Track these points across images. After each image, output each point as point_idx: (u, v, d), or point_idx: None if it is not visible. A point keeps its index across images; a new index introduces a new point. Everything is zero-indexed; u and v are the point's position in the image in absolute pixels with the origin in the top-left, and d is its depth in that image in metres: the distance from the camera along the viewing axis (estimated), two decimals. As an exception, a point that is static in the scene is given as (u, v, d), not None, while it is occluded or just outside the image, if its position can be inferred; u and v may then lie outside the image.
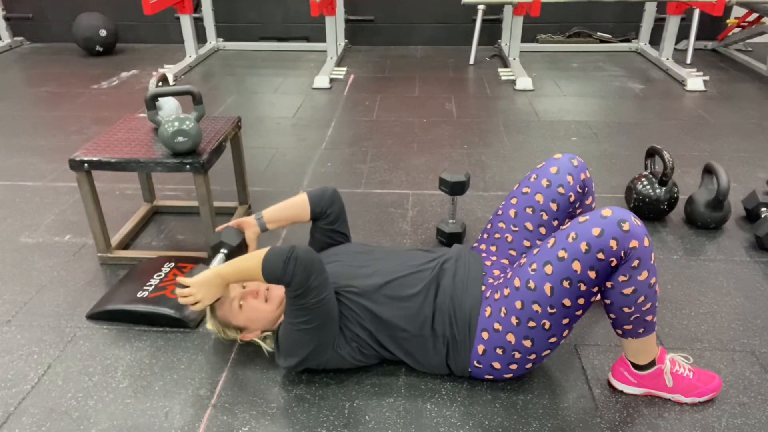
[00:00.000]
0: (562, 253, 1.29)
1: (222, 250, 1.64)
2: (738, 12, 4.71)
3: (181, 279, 1.46)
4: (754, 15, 4.54)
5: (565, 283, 1.29)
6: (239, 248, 1.66)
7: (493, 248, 1.66)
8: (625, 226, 1.26)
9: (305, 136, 3.21)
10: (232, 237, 1.67)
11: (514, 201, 1.64)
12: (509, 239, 1.63)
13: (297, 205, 1.72)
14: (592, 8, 4.89)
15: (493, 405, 1.46)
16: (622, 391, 1.50)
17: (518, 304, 1.35)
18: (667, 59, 4.37)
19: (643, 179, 2.29)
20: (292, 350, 1.45)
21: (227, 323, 1.54)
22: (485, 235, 1.70)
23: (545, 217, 1.59)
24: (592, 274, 1.28)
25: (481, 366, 1.45)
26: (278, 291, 1.55)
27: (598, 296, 1.36)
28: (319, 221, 1.75)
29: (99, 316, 1.78)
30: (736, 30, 4.74)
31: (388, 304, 1.46)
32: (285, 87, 4.09)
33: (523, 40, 4.54)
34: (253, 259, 1.37)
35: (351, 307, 1.47)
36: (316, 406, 1.46)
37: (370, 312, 1.46)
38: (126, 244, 2.17)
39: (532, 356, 1.41)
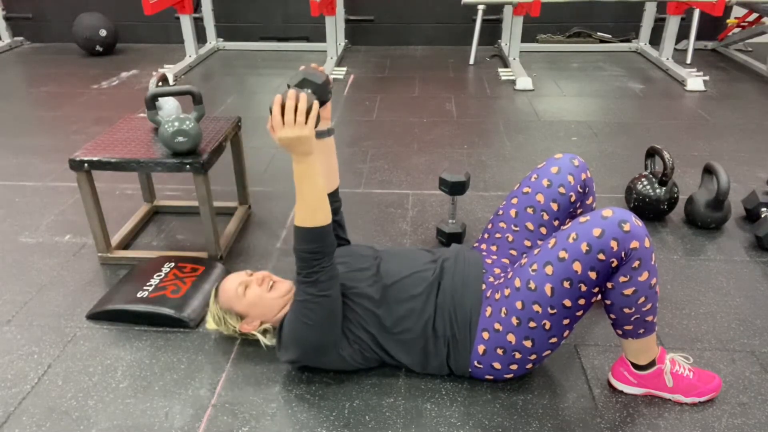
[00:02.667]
0: (562, 254, 1.29)
1: (307, 90, 1.39)
2: (738, 12, 4.70)
3: (298, 94, 1.30)
4: (754, 15, 4.54)
5: (566, 284, 1.29)
6: (324, 89, 1.43)
7: (494, 248, 1.66)
8: (626, 227, 1.26)
9: (305, 136, 3.21)
10: (316, 76, 1.42)
11: (514, 201, 1.64)
12: (510, 239, 1.63)
13: (332, 171, 1.68)
14: (592, 8, 4.89)
15: (493, 405, 1.46)
16: (622, 391, 1.50)
17: (519, 305, 1.35)
18: (667, 59, 4.37)
19: (643, 179, 2.29)
20: (292, 344, 1.45)
21: (229, 308, 1.54)
22: (486, 235, 1.70)
23: (546, 217, 1.59)
24: (592, 275, 1.28)
25: (481, 366, 1.45)
26: (283, 284, 1.56)
27: (599, 297, 1.36)
28: None
29: (99, 316, 1.78)
30: (736, 30, 4.74)
31: (393, 305, 1.46)
32: (285, 87, 4.07)
33: (523, 40, 4.54)
34: (310, 210, 1.35)
35: (355, 310, 1.47)
36: (316, 406, 1.46)
37: (374, 314, 1.46)
38: (126, 244, 2.17)
39: (533, 356, 1.41)
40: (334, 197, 1.68)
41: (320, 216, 1.36)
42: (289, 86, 1.40)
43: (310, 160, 1.36)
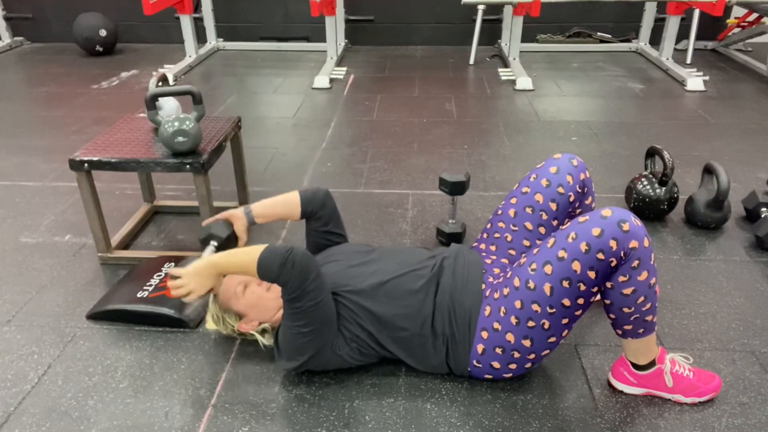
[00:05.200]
0: (561, 253, 1.29)
1: (212, 242, 1.62)
2: (738, 12, 4.71)
3: (172, 270, 1.46)
4: (754, 15, 4.55)
5: (565, 283, 1.29)
6: (228, 240, 1.64)
7: (493, 248, 1.66)
8: (625, 227, 1.26)
9: (305, 136, 3.21)
10: (220, 229, 1.64)
11: (513, 201, 1.64)
12: (509, 239, 1.63)
13: (288, 203, 1.71)
14: (592, 8, 4.89)
15: (493, 405, 1.46)
16: (622, 391, 1.50)
17: (518, 304, 1.35)
18: (667, 59, 4.37)
19: (643, 179, 2.29)
20: (292, 353, 1.45)
21: (228, 308, 1.55)
22: (485, 235, 1.70)
23: (545, 216, 1.59)
24: (591, 275, 1.28)
25: (480, 365, 1.45)
26: None
27: (598, 296, 1.36)
28: (312, 222, 1.75)
29: (99, 316, 1.78)
30: (736, 30, 4.74)
31: (389, 303, 1.46)
32: (285, 87, 4.09)
33: (523, 40, 4.54)
34: (249, 255, 1.37)
35: (350, 307, 1.46)
36: (316, 406, 1.46)
37: (370, 312, 1.46)
38: (126, 244, 2.17)
39: (532, 356, 1.41)
40: (310, 211, 1.72)
41: (251, 255, 1.37)
42: (198, 239, 1.65)
43: (221, 270, 1.44)
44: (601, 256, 1.26)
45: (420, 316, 1.45)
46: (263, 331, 1.56)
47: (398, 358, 1.51)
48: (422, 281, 1.48)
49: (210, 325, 1.60)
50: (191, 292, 1.43)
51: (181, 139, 1.83)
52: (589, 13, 4.98)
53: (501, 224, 1.65)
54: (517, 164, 2.83)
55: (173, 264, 1.94)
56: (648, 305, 1.33)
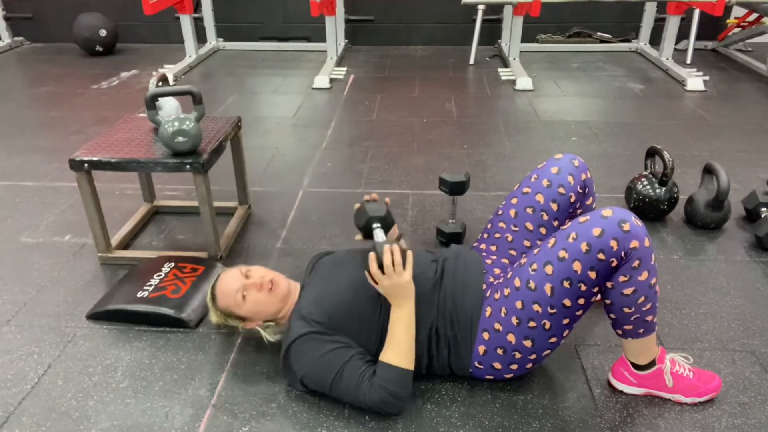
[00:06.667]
0: (562, 254, 1.29)
1: (375, 225, 1.56)
2: (738, 12, 4.71)
3: (408, 257, 1.41)
4: (754, 15, 4.55)
5: (566, 284, 1.29)
6: (389, 218, 1.59)
7: (493, 248, 1.66)
8: (626, 227, 1.25)
9: (305, 136, 3.21)
10: (380, 210, 1.58)
11: (514, 201, 1.64)
12: (509, 239, 1.63)
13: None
14: (592, 8, 4.89)
15: (493, 405, 1.46)
16: (622, 391, 1.50)
17: (519, 304, 1.35)
18: (667, 59, 4.37)
19: (643, 179, 2.29)
20: (312, 385, 1.45)
21: (230, 313, 1.53)
22: (485, 235, 1.70)
23: (545, 217, 1.59)
24: (592, 275, 1.27)
25: (482, 366, 1.45)
26: (283, 285, 1.54)
27: (599, 296, 1.36)
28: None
29: (99, 316, 1.78)
30: (736, 30, 4.74)
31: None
32: (285, 87, 4.09)
33: (523, 40, 4.54)
34: (404, 352, 1.40)
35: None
36: (316, 406, 1.46)
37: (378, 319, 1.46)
38: (126, 244, 2.17)
39: (533, 356, 1.41)
40: None
41: (406, 358, 1.39)
42: (358, 226, 1.60)
43: (408, 303, 1.42)
44: (601, 256, 1.26)
45: (427, 320, 1.45)
46: (266, 327, 1.55)
47: None
48: (428, 285, 1.47)
49: (213, 318, 1.58)
50: (382, 285, 1.40)
51: (181, 139, 1.83)
52: (589, 13, 4.98)
53: (501, 224, 1.65)
54: (517, 164, 2.83)
55: (173, 264, 1.94)
56: (648, 305, 1.33)
